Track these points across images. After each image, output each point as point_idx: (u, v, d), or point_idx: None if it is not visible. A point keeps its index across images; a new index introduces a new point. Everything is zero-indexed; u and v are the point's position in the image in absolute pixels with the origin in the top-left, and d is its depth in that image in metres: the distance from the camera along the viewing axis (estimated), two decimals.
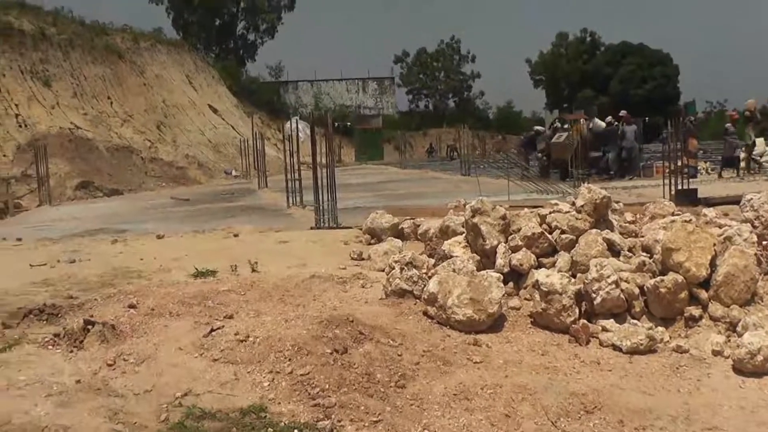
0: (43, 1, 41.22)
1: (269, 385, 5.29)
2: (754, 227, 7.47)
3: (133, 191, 31.13)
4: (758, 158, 28.94)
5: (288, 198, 18.69)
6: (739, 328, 6.30)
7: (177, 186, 34.08)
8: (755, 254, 7.00)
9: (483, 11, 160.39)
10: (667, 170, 16.64)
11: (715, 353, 6.11)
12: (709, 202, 13.30)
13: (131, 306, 6.99)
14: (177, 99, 45.72)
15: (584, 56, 79.66)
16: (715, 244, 7.07)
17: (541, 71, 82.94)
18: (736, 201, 9.26)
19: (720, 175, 23.32)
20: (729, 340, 6.21)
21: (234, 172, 41.32)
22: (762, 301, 6.75)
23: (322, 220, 13.65)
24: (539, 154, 27.53)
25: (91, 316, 6.64)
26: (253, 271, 8.87)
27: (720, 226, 8.04)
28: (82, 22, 43.37)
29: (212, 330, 6.16)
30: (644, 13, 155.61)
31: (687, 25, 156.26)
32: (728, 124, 25.04)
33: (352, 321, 6.39)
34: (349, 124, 65.42)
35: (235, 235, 12.53)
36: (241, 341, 5.92)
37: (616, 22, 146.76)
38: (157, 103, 43.05)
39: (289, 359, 5.61)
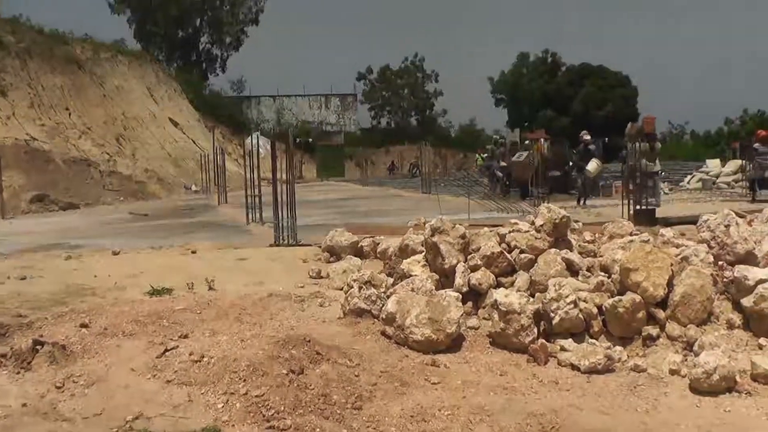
0: (1, 8, 40.72)
1: (223, 407, 5.21)
2: (711, 248, 7.52)
3: (91, 205, 30.70)
4: (714, 179, 29.43)
5: (247, 214, 18.59)
6: (695, 348, 6.33)
7: (136, 200, 33.70)
8: (711, 274, 7.06)
9: (446, 30, 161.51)
10: (625, 191, 16.80)
11: (672, 372, 6.14)
12: (668, 222, 13.44)
13: (83, 325, 6.85)
14: (137, 111, 45.25)
15: (545, 76, 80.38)
16: (672, 265, 7.11)
17: (503, 90, 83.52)
18: (693, 221, 9.34)
19: (753, 199, 21.85)
20: (686, 360, 6.24)
21: (194, 187, 41.02)
22: (718, 321, 6.79)
23: (281, 237, 13.57)
24: (497, 172, 27.68)
25: (41, 335, 6.50)
26: (210, 289, 8.78)
27: (677, 246, 8.10)
28: (40, 30, 42.73)
29: (166, 350, 6.07)
30: (604, 35, 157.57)
31: (646, 48, 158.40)
32: (757, 144, 24.67)
33: (309, 341, 6.33)
34: (310, 140, 65.43)
35: (193, 252, 12.40)
36: (196, 362, 5.84)
37: (576, 44, 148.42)
38: (116, 115, 42.56)
39: (244, 380, 5.53)
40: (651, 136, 21.68)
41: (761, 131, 24.41)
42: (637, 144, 19.66)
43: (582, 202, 22.10)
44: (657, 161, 21.14)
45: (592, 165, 22.48)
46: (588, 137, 23.93)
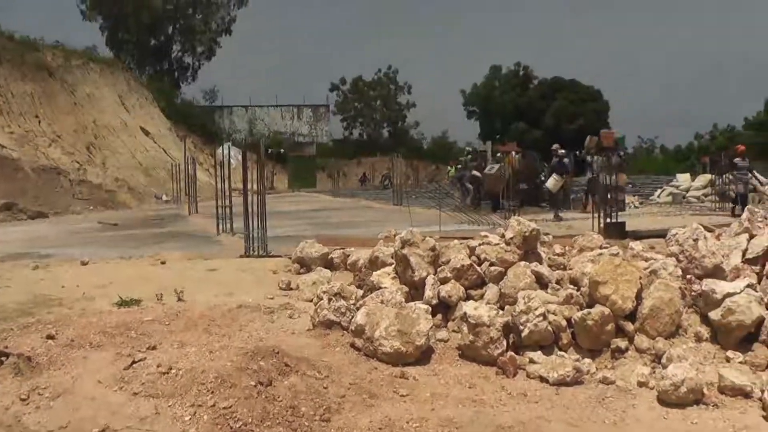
0: None
1: (190, 419, 5.17)
2: (679, 261, 7.58)
3: (60, 214, 30.45)
4: (684, 193, 29.73)
5: (218, 225, 18.53)
6: (664, 360, 6.37)
7: (105, 210, 33.48)
8: (680, 288, 7.12)
9: (419, 42, 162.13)
10: (595, 204, 16.95)
11: (641, 384, 6.15)
12: (637, 236, 13.55)
13: (50, 336, 6.78)
14: (108, 120, 44.99)
15: (517, 89, 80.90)
16: (641, 278, 7.16)
17: (475, 103, 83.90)
18: (662, 234, 9.42)
19: (733, 213, 20.91)
20: (654, 372, 6.27)
21: (164, 197, 40.83)
22: (686, 334, 6.84)
23: (251, 248, 13.54)
24: (467, 183, 27.79)
25: (6, 347, 6.41)
26: (179, 300, 8.73)
27: (646, 260, 8.16)
28: (11, 36, 42.48)
29: (134, 362, 6.01)
30: (576, 49, 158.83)
31: (618, 63, 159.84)
32: (737, 159, 24.36)
33: (278, 352, 6.29)
34: (282, 150, 65.37)
35: (163, 263, 12.34)
36: (163, 373, 5.79)
37: (548, 58, 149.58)
38: (87, 124, 42.30)
39: (212, 392, 5.49)
40: (609, 150, 21.96)
41: (741, 146, 24.52)
42: (597, 158, 20.06)
43: (555, 215, 22.16)
44: (616, 175, 21.25)
45: (551, 181, 22.64)
46: (562, 150, 24.07)
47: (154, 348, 6.53)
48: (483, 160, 29.60)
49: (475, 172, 27.48)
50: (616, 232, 14.70)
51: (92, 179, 37.21)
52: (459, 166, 32.84)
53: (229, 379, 5.65)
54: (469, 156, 30.98)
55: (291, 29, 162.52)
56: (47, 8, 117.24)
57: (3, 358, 5.98)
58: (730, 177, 24.67)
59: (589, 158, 23.29)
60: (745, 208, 8.82)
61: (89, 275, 10.99)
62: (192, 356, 6.23)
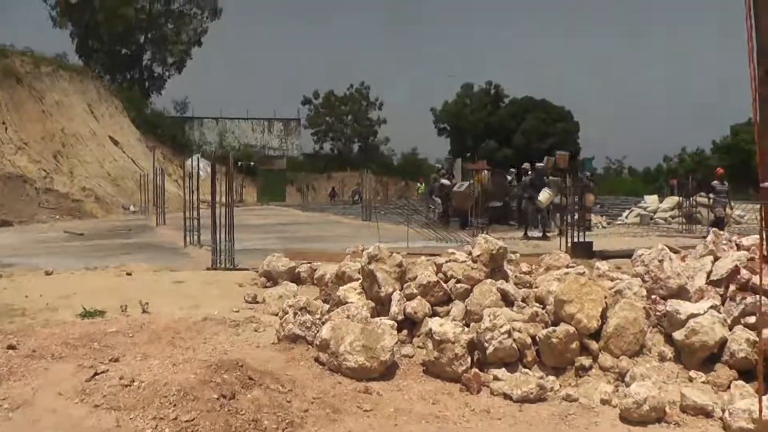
0: None
1: None
2: (644, 281, 7.66)
3: (25, 223, 30.12)
4: (652, 214, 30.01)
5: (185, 237, 18.44)
6: (627, 379, 6.43)
7: (72, 219, 33.15)
8: (644, 308, 7.19)
9: (392, 58, 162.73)
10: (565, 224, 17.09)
11: (604, 402, 6.21)
12: (604, 256, 13.66)
13: (11, 347, 6.69)
14: (77, 128, 44.59)
15: (488, 108, 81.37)
16: (606, 297, 7.23)
17: (446, 120, 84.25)
18: (628, 255, 9.50)
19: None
20: (617, 390, 6.32)
21: (132, 208, 40.54)
22: (650, 353, 6.91)
23: (218, 260, 13.49)
24: (435, 198, 27.93)
25: None
26: (144, 312, 8.66)
27: (612, 279, 8.24)
28: None
29: (96, 374, 5.95)
30: (548, 70, 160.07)
31: (589, 84, 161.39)
32: (716, 182, 24.36)
33: (242, 366, 6.26)
34: (252, 163, 65.24)
35: (129, 274, 12.24)
36: (126, 386, 5.73)
37: (520, 78, 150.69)
38: (55, 132, 41.87)
39: (174, 405, 5.44)
40: (565, 171, 22.32)
41: (720, 169, 24.48)
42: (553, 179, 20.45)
43: (537, 231, 22.10)
44: (582, 195, 21.55)
45: (544, 195, 22.54)
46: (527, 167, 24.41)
47: (117, 360, 6.47)
48: (451, 166, 29.82)
49: (443, 181, 27.61)
50: (583, 251, 14.81)
51: (59, 188, 36.83)
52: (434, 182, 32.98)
53: (192, 392, 5.61)
54: (441, 171, 31.04)
55: (263, 42, 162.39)
56: (17, 14, 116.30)
57: None
58: (709, 199, 24.84)
59: (546, 179, 23.48)
60: (711, 231, 8.93)
61: (53, 285, 10.87)
62: (155, 369, 6.17)
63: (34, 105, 41.54)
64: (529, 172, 23.80)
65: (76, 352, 6.70)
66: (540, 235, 21.53)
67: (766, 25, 3.31)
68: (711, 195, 24.33)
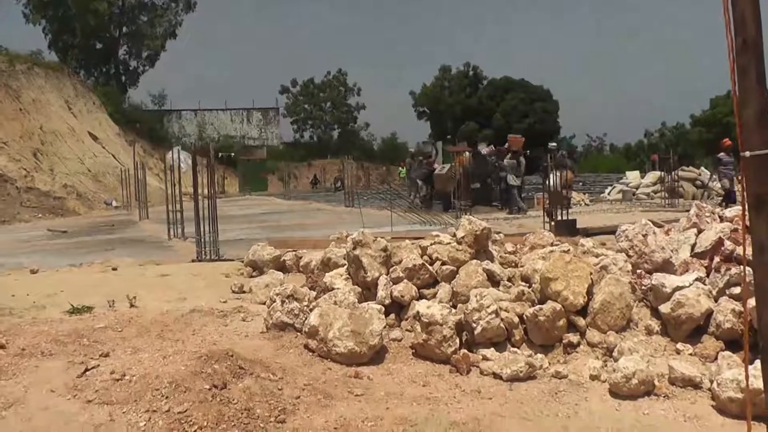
0: None
1: (145, 425, 5.12)
2: (629, 256, 7.71)
3: (7, 223, 29.97)
4: (634, 190, 30.18)
5: (169, 230, 18.40)
6: (615, 354, 6.48)
7: (54, 217, 32.98)
8: (630, 282, 7.25)
9: (368, 43, 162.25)
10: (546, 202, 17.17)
11: (593, 378, 6.25)
12: (588, 233, 13.73)
13: (0, 346, 6.69)
14: (55, 125, 44.24)
15: (467, 90, 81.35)
16: (591, 273, 7.27)
17: (425, 104, 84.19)
18: (612, 231, 9.56)
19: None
20: (606, 365, 6.37)
21: (114, 203, 40.36)
22: (637, 327, 6.97)
23: (203, 252, 13.47)
24: (417, 180, 28.08)
25: None
26: (131, 306, 8.64)
27: (597, 256, 8.29)
28: None
29: (86, 369, 5.95)
30: (526, 50, 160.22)
31: (567, 63, 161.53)
32: (722, 154, 23.69)
33: (232, 355, 6.27)
34: (233, 154, 65.02)
35: (114, 269, 12.20)
36: (117, 380, 5.73)
37: (498, 58, 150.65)
38: (33, 130, 41.54)
39: (167, 397, 5.45)
40: (516, 153, 23.31)
41: (726, 140, 23.73)
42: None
43: (509, 210, 22.96)
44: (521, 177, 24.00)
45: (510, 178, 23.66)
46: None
47: (107, 355, 6.46)
48: (432, 150, 30.05)
49: (422, 159, 28.02)
50: (566, 229, 14.88)
51: (40, 186, 36.60)
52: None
53: (183, 383, 5.62)
54: (416, 156, 31.21)
55: (239, 33, 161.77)
56: None
57: None
58: (717, 173, 24.65)
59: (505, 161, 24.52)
60: (694, 203, 8.99)
61: (39, 283, 10.82)
62: (145, 362, 6.18)
63: (10, 103, 41.17)
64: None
65: (66, 348, 6.68)
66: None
67: None
68: (719, 167, 23.93)
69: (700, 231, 8.08)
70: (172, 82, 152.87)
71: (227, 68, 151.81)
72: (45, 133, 42.37)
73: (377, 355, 6.73)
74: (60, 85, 49.29)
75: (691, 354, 6.53)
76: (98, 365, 6.09)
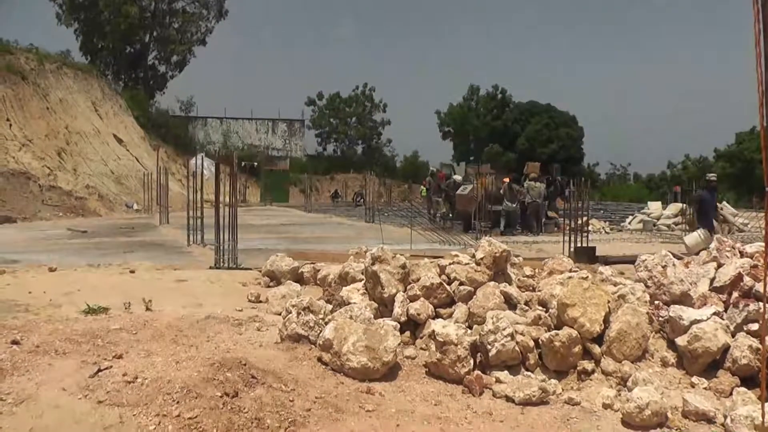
0: None
1: (155, 428, 5.12)
2: (647, 287, 7.68)
3: (28, 220, 30.12)
4: (655, 221, 30.00)
5: (189, 236, 18.45)
6: (629, 383, 6.44)
7: (75, 217, 33.17)
8: (647, 313, 7.21)
9: (396, 58, 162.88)
10: (567, 228, 17.11)
11: (606, 406, 6.22)
12: (607, 261, 13.67)
13: (15, 342, 6.71)
14: (81, 126, 44.51)
15: (494, 112, 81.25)
16: (609, 302, 7.25)
17: (450, 123, 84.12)
18: (632, 260, 9.51)
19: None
20: (619, 394, 6.34)
21: (135, 206, 40.53)
22: (652, 358, 6.93)
23: (221, 260, 13.50)
24: (437, 199, 28.20)
25: None
26: (147, 309, 8.68)
27: (615, 284, 8.26)
28: None
29: (99, 370, 5.96)
30: (552, 74, 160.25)
31: (594, 91, 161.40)
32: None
33: (245, 364, 6.27)
34: (256, 164, 65.18)
35: (132, 272, 12.26)
36: (129, 382, 5.74)
37: (524, 81, 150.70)
38: (59, 129, 41.82)
39: (178, 402, 5.45)
40: (537, 179, 24.03)
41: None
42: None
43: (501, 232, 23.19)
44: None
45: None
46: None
47: (120, 357, 6.48)
48: (452, 171, 30.24)
49: (455, 178, 28.27)
50: (585, 256, 14.81)
51: (62, 185, 36.82)
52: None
53: (195, 389, 5.62)
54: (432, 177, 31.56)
55: (268, 43, 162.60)
56: (22, 11, 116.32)
57: None
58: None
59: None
60: (714, 237, 8.95)
61: (57, 282, 10.89)
62: (158, 366, 6.18)
63: (38, 102, 41.47)
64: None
65: (80, 348, 6.71)
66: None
67: None
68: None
69: (719, 265, 8.03)
70: (199, 90, 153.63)
71: (255, 78, 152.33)
72: (70, 133, 42.64)
73: (390, 372, 6.72)
74: (88, 87, 49.57)
75: (705, 388, 6.48)
76: (111, 366, 6.10)
